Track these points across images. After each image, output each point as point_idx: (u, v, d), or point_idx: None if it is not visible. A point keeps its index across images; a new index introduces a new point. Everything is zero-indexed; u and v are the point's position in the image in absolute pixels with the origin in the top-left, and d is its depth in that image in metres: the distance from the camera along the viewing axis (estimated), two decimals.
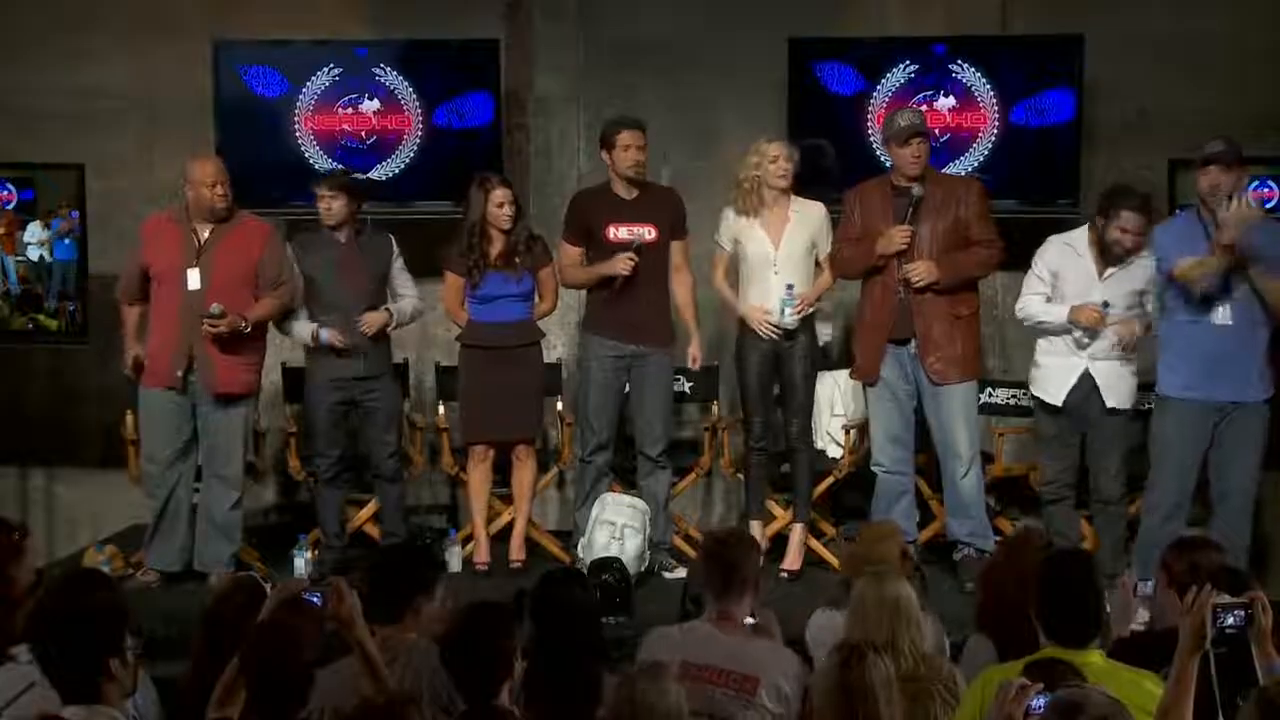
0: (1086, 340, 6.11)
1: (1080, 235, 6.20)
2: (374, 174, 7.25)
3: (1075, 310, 6.06)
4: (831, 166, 7.06)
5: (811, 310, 6.45)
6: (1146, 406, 6.40)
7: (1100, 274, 6.11)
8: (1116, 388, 6.12)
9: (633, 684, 3.59)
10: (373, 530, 6.93)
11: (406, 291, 6.65)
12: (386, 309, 6.53)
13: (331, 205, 6.51)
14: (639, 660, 4.08)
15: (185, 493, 6.49)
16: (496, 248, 6.53)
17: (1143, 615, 5.43)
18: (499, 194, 6.50)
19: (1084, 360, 6.12)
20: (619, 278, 6.40)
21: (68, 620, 3.69)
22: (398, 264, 6.64)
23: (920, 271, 6.16)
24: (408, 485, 6.97)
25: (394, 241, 6.65)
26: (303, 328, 6.53)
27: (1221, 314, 5.78)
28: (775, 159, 6.35)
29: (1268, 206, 6.85)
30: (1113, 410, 6.13)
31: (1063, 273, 6.18)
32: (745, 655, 4.19)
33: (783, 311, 6.30)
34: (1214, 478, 5.92)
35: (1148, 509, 5.99)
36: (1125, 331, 6.06)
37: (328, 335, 6.46)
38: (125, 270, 6.53)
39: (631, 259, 6.38)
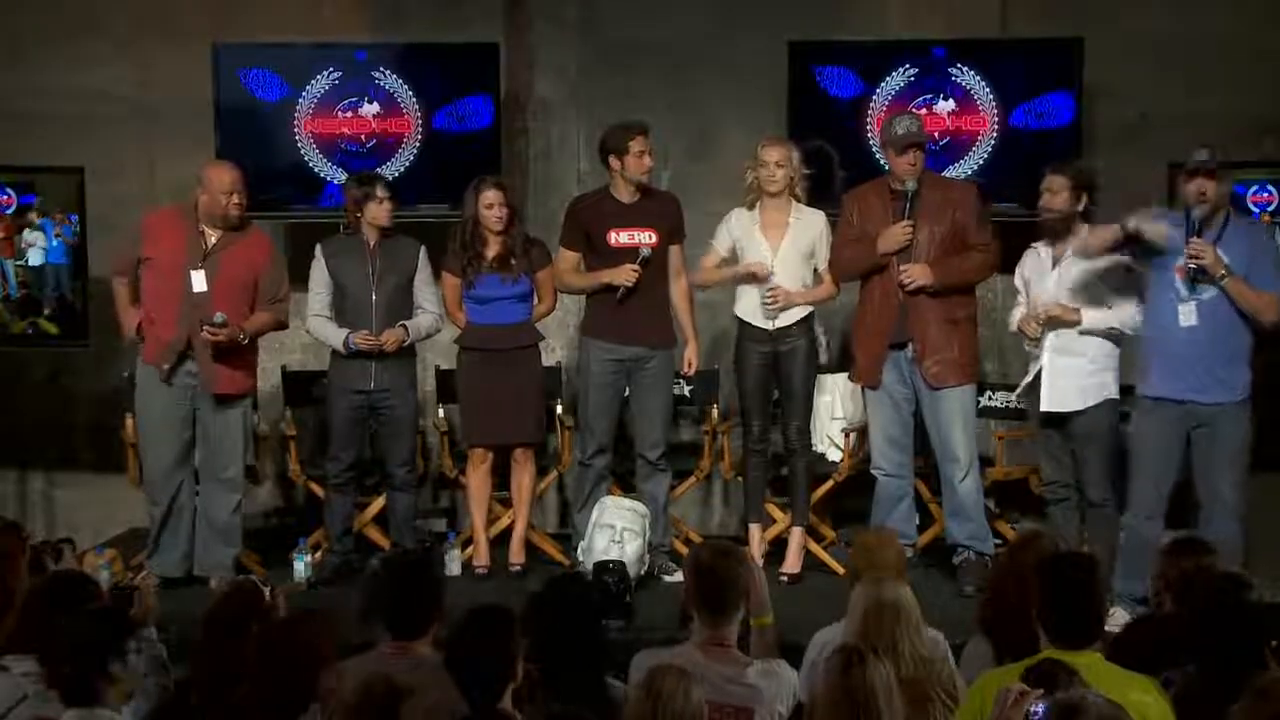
0: (1037, 351, 6.15)
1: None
2: None
3: (1021, 321, 6.19)
4: (834, 174, 7.06)
5: (809, 313, 6.45)
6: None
7: (1052, 265, 6.15)
8: (1056, 392, 6.09)
9: (659, 684, 3.56)
10: (375, 534, 6.92)
11: (428, 306, 6.58)
12: (402, 325, 6.47)
13: (389, 207, 6.48)
14: (631, 682, 4.02)
15: (188, 498, 6.49)
16: (493, 250, 6.52)
17: (1122, 617, 5.47)
18: (488, 195, 6.48)
19: (1039, 361, 6.15)
20: (622, 287, 6.40)
21: (66, 623, 3.70)
22: (422, 275, 6.57)
23: (914, 275, 6.17)
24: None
25: (422, 251, 6.60)
26: (335, 334, 6.50)
27: (1186, 316, 5.76)
28: (766, 164, 6.35)
29: (1268, 211, 6.86)
30: (1052, 414, 6.12)
31: (1031, 278, 6.24)
32: (739, 687, 4.07)
33: (764, 305, 6.33)
34: (1198, 482, 5.86)
35: (1129, 509, 5.96)
36: (1028, 319, 6.13)
37: (356, 340, 6.43)
38: (122, 253, 6.51)
39: (636, 271, 6.38)
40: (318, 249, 6.60)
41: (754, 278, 6.35)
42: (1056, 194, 6.09)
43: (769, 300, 6.31)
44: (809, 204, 6.47)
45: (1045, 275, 6.16)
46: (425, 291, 6.59)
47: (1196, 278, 5.70)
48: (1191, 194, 5.75)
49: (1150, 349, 5.89)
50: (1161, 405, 5.83)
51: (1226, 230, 5.76)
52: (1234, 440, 5.80)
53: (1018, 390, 6.40)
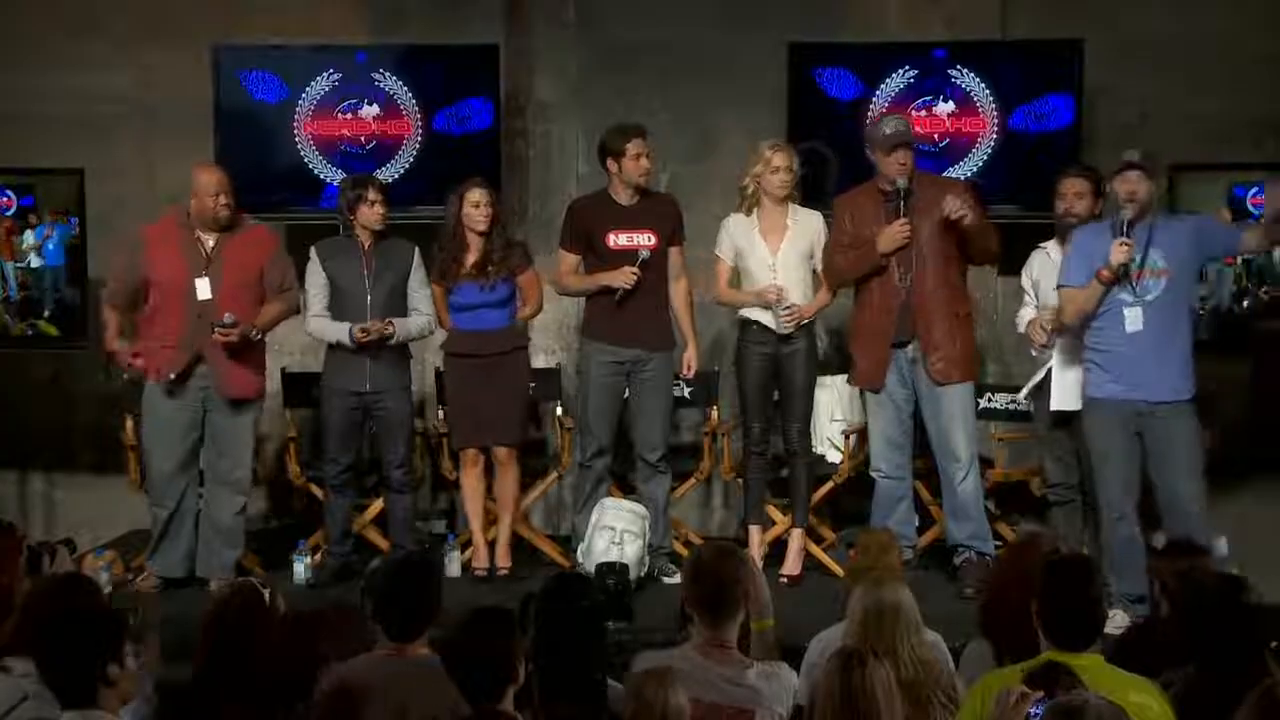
0: (1045, 355, 6.17)
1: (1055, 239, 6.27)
2: None
3: (1029, 329, 6.18)
4: (831, 174, 7.06)
5: (811, 320, 6.45)
6: None
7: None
8: (1065, 391, 6.08)
9: (640, 688, 3.60)
10: (374, 535, 6.92)
11: (422, 308, 6.55)
12: (388, 321, 6.44)
13: (381, 210, 6.46)
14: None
15: (192, 499, 6.48)
16: (472, 256, 6.50)
17: (1123, 619, 5.47)
18: (474, 194, 6.46)
19: (1048, 363, 6.16)
20: (621, 289, 6.40)
21: (63, 625, 3.70)
22: (416, 276, 6.54)
23: (954, 205, 6.05)
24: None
25: (416, 252, 6.56)
26: (337, 329, 6.44)
27: (1132, 321, 5.74)
28: (777, 169, 6.35)
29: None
30: (1061, 413, 6.11)
31: (1040, 279, 6.24)
32: (739, 688, 4.08)
33: (781, 324, 6.32)
34: (1157, 486, 5.80)
35: (1102, 511, 5.93)
36: (1036, 328, 6.13)
37: (358, 333, 6.37)
38: (119, 275, 6.50)
39: (635, 273, 6.38)
40: (312, 251, 6.57)
41: (769, 305, 6.34)
42: (1082, 197, 6.11)
43: (786, 320, 6.30)
44: (801, 204, 6.47)
45: (1056, 276, 6.15)
46: (420, 293, 6.57)
47: (1121, 278, 5.70)
48: (1121, 193, 5.76)
49: (1098, 350, 5.85)
50: (1109, 404, 5.80)
51: (1156, 231, 5.74)
52: (1187, 438, 5.75)
53: (1024, 391, 6.38)
